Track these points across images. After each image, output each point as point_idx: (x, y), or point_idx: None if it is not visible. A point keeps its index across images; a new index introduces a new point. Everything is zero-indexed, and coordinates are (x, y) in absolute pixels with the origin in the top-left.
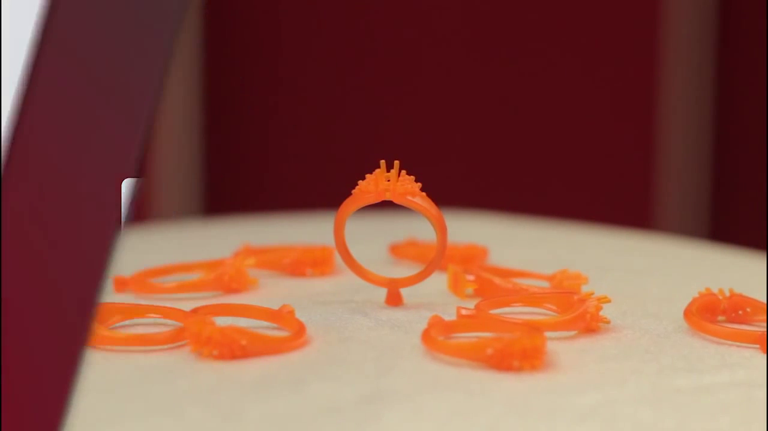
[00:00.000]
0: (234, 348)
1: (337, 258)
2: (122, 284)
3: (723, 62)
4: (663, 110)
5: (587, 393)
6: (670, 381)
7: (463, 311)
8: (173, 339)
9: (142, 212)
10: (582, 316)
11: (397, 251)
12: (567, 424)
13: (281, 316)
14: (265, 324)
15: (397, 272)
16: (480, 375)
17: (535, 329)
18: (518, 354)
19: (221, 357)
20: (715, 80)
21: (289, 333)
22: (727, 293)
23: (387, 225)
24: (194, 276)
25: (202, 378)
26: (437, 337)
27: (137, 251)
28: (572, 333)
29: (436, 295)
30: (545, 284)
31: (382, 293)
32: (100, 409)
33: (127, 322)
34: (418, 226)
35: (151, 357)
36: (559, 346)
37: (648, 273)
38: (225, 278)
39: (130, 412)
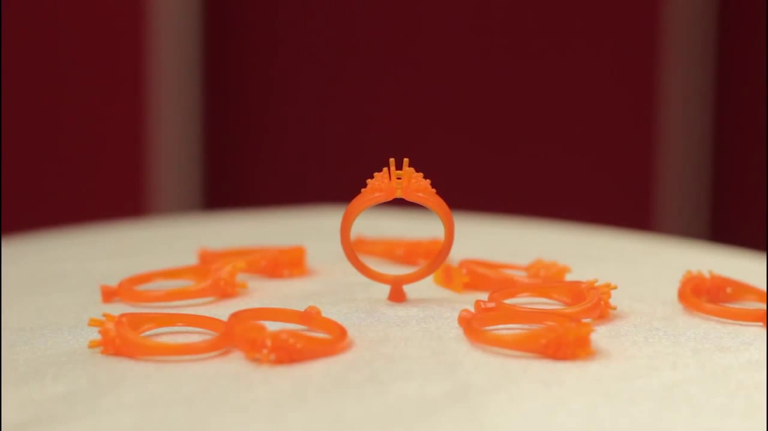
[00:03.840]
0: (292, 352)
1: (308, 258)
2: (110, 294)
3: (723, 62)
4: (663, 109)
5: (652, 376)
6: (713, 361)
7: (483, 305)
8: (216, 347)
9: (142, 207)
10: (598, 304)
11: (357, 248)
12: (657, 406)
13: (312, 318)
14: (296, 326)
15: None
16: (542, 365)
17: (572, 318)
18: (573, 343)
19: (279, 361)
20: (715, 80)
21: (326, 335)
22: (707, 275)
23: (326, 223)
24: (179, 282)
25: (278, 384)
26: (481, 330)
27: (137, 247)
28: (589, 320)
29: (430, 290)
30: (523, 274)
31: (380, 290)
32: (195, 421)
33: (157, 330)
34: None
35: (205, 365)
36: None
37: (640, 268)
38: (221, 284)
39: (230, 423)
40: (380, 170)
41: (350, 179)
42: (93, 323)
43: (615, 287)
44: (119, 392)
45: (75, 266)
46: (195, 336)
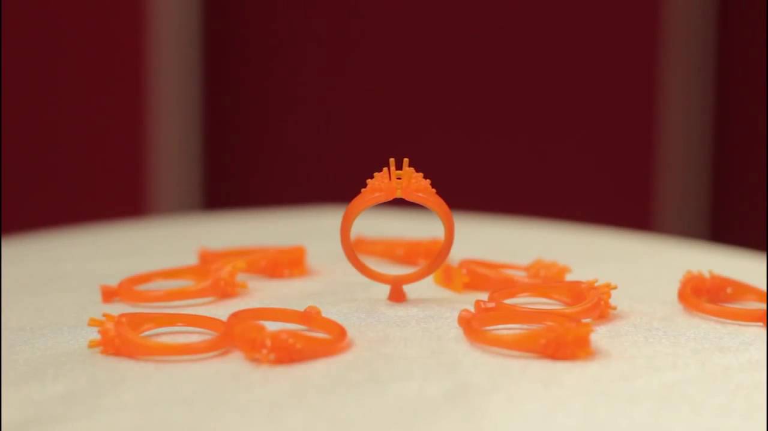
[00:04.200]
0: (291, 352)
1: (308, 258)
2: (110, 294)
3: (723, 62)
4: (663, 109)
5: (652, 376)
6: (713, 361)
7: (483, 305)
8: (215, 347)
9: (142, 207)
10: (598, 304)
11: (357, 248)
12: (656, 407)
13: (312, 318)
14: (296, 326)
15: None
16: (541, 365)
17: (572, 318)
18: (572, 343)
19: (278, 361)
20: (715, 80)
21: (326, 335)
22: (707, 275)
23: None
24: (179, 282)
25: (276, 384)
26: (481, 330)
27: (137, 247)
28: (589, 320)
29: (430, 290)
30: (523, 274)
31: (380, 290)
32: (195, 421)
33: (156, 330)
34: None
35: (205, 365)
36: None
37: (640, 268)
38: (221, 284)
39: (230, 423)
40: (380, 170)
41: (350, 179)
42: (93, 323)
43: (615, 287)
44: (119, 392)
45: (75, 266)
46: (195, 336)
